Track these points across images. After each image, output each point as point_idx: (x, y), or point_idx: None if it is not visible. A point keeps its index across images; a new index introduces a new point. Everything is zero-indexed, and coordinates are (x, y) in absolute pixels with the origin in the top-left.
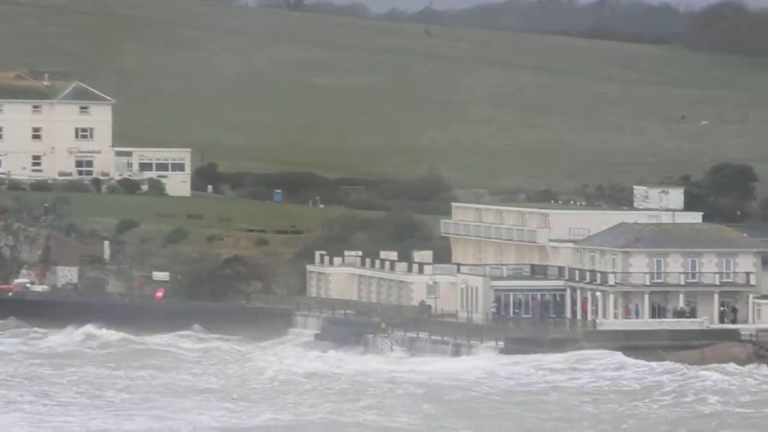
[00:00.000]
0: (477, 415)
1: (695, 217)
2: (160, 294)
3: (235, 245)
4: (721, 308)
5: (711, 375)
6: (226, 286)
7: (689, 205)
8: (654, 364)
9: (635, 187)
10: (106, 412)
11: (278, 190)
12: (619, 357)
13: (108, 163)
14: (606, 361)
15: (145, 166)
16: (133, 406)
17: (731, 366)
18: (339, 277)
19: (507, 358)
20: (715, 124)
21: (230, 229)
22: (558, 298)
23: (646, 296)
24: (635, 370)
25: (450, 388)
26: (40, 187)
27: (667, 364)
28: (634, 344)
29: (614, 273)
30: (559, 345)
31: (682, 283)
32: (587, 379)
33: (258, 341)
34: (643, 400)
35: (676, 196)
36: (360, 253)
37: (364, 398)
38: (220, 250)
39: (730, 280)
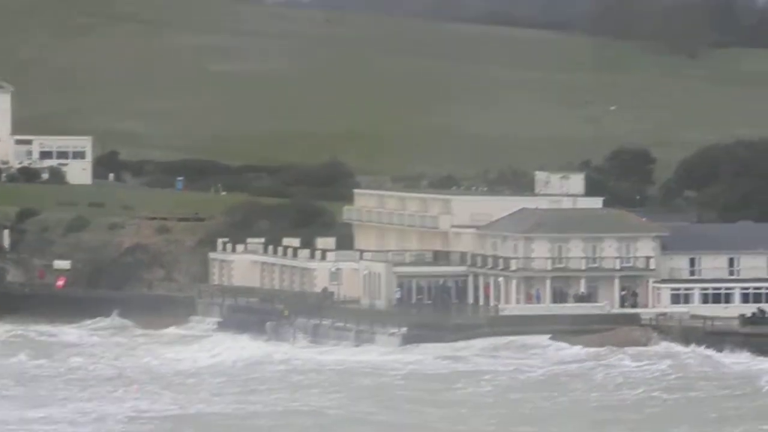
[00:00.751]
0: (386, 399)
1: (596, 202)
2: (61, 283)
3: (137, 233)
4: (622, 293)
5: (623, 360)
6: (128, 274)
7: (590, 191)
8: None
9: (536, 172)
10: (10, 401)
11: (180, 178)
12: (523, 341)
13: (7, 151)
14: (514, 346)
15: (45, 155)
16: (34, 394)
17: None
18: (241, 264)
19: (410, 344)
20: (614, 110)
21: (132, 217)
22: (460, 284)
23: (548, 281)
24: (543, 355)
25: (357, 374)
26: None
27: (577, 350)
28: (536, 329)
29: (516, 258)
30: (462, 331)
31: (583, 268)
32: (494, 365)
33: (160, 329)
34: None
35: (576, 181)
36: (262, 240)
37: (270, 384)
38: (121, 238)
39: (631, 264)
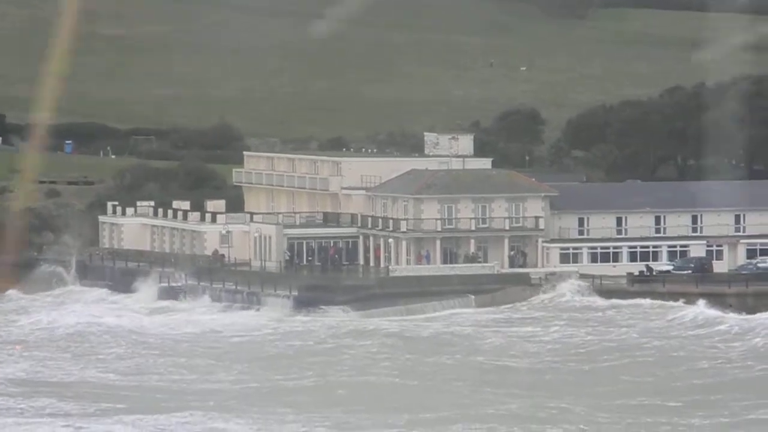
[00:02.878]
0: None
1: (485, 163)
2: None
3: (26, 197)
4: (511, 252)
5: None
6: (18, 238)
7: (479, 151)
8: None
9: (425, 134)
10: None
11: (69, 141)
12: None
13: None
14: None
15: None
16: None
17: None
18: (131, 227)
19: (302, 306)
20: (501, 71)
21: (21, 181)
22: (351, 246)
23: (438, 242)
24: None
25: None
26: None
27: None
28: (427, 290)
29: (406, 219)
30: (352, 292)
31: (473, 228)
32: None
33: (49, 292)
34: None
35: (465, 142)
36: (152, 203)
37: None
38: (10, 202)
39: (520, 224)
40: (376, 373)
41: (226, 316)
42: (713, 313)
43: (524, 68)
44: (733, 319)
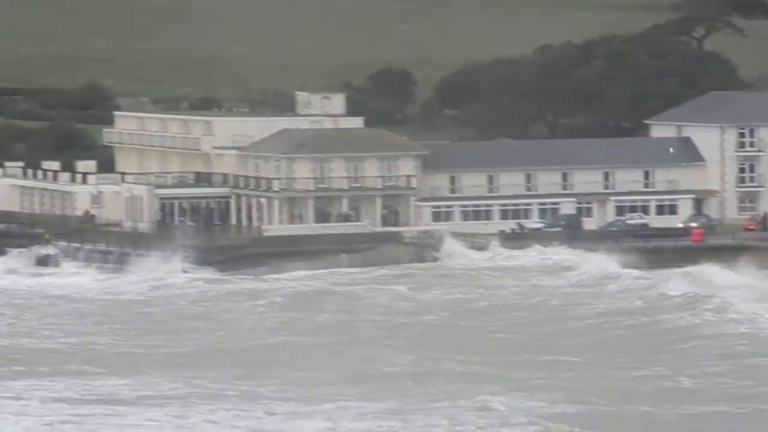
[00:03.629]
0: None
1: (357, 122)
2: None
3: None
4: (384, 211)
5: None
6: None
7: (351, 111)
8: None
9: (297, 93)
10: None
11: None
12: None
13: None
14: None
15: None
16: None
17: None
18: (0, 188)
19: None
20: (373, 29)
21: None
22: (223, 206)
23: (311, 201)
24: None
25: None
26: None
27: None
28: (300, 249)
29: (278, 179)
30: (225, 252)
31: (346, 187)
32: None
33: None
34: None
35: (337, 101)
36: (21, 163)
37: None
38: None
39: (392, 183)
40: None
41: (98, 277)
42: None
43: (405, 26)
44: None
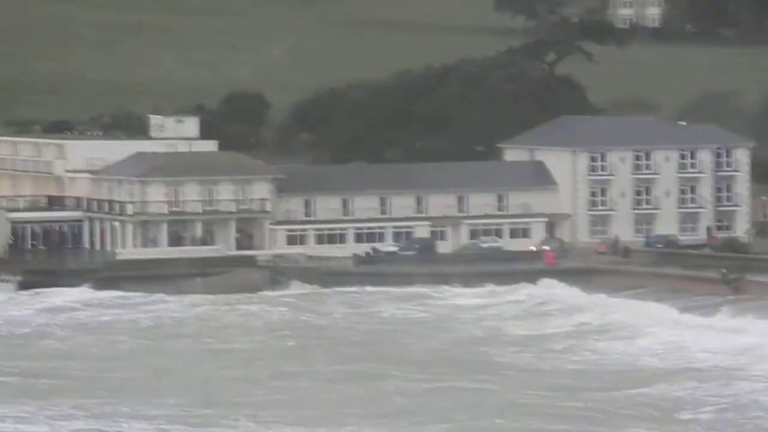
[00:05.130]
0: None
1: (211, 146)
2: None
3: None
4: (238, 235)
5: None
6: None
7: (205, 134)
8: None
9: (151, 116)
10: None
11: None
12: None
13: None
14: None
15: None
16: None
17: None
18: None
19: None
20: (228, 53)
21: None
22: (76, 230)
23: (165, 225)
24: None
25: None
26: None
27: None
28: (155, 273)
29: (132, 203)
30: (78, 276)
31: (200, 211)
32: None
33: None
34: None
35: (191, 124)
36: None
37: None
38: None
39: (246, 207)
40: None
41: None
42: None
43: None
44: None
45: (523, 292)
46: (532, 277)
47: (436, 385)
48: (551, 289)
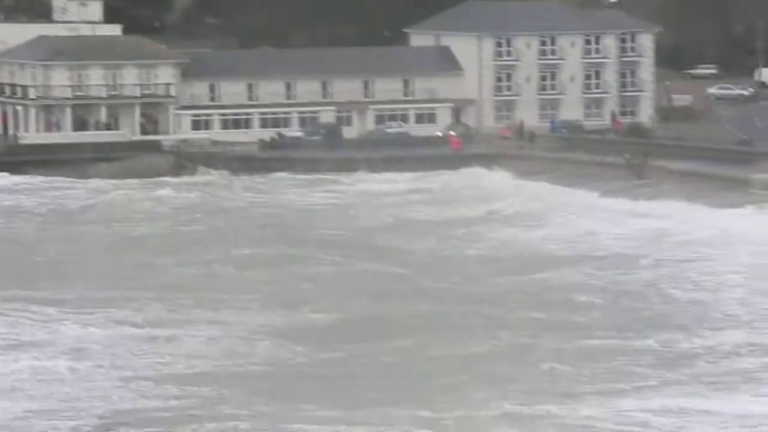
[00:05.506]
0: None
1: (115, 30)
2: None
3: None
4: (142, 120)
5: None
6: None
7: (109, 18)
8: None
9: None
10: None
11: None
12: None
13: None
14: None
15: None
16: None
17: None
18: None
19: None
20: None
21: None
22: None
23: (68, 109)
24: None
25: None
26: None
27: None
28: (58, 158)
29: (35, 86)
30: None
31: (104, 95)
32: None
33: None
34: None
35: (94, 8)
36: None
37: None
38: None
39: (151, 92)
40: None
41: None
42: None
43: None
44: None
45: (436, 179)
46: (444, 163)
47: (342, 269)
48: (469, 177)
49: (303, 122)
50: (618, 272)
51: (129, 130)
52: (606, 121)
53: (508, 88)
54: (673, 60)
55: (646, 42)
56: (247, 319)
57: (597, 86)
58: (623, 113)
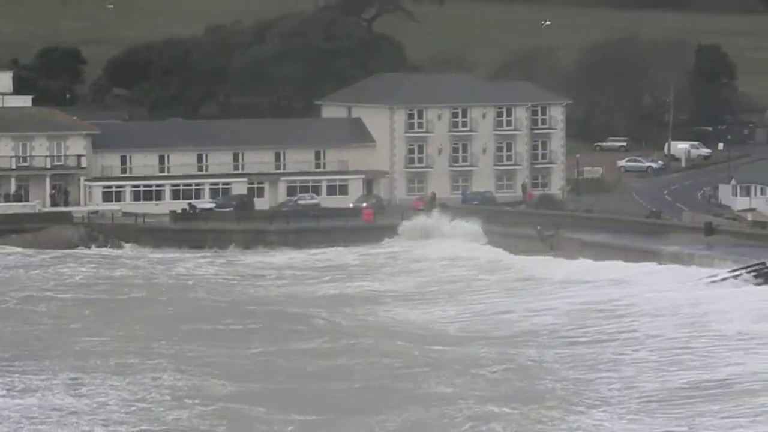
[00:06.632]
0: None
1: (25, 101)
2: None
3: None
4: (53, 191)
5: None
6: None
7: (19, 89)
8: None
9: None
10: None
11: None
12: None
13: None
14: None
15: None
16: None
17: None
18: None
19: None
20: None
21: None
22: None
23: None
24: None
25: None
26: None
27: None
28: None
29: None
30: None
31: (14, 167)
32: None
33: None
34: None
35: (4, 79)
36: None
37: None
38: None
39: (62, 163)
40: None
41: None
42: None
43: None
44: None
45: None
46: (356, 235)
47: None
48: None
49: (215, 193)
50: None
51: (39, 202)
52: (518, 193)
53: (420, 160)
54: (583, 132)
55: (557, 114)
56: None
57: (509, 158)
58: (535, 185)
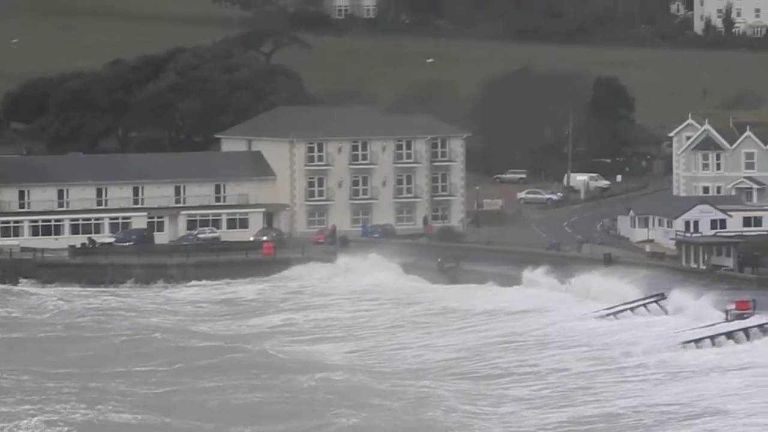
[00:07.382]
0: None
1: None
2: None
3: None
4: None
5: None
6: None
7: None
8: None
9: None
10: None
11: None
12: None
13: None
14: None
15: None
16: None
17: None
18: None
19: None
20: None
21: None
22: None
23: None
24: None
25: None
26: None
27: None
28: None
29: None
30: None
31: None
32: None
33: None
34: None
35: None
36: None
37: None
38: None
39: None
40: None
41: None
42: None
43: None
44: None
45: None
46: (255, 268)
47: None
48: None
49: (115, 228)
50: None
51: None
52: (418, 226)
53: (321, 193)
54: (483, 165)
55: (457, 147)
56: None
57: (409, 190)
58: (435, 217)
